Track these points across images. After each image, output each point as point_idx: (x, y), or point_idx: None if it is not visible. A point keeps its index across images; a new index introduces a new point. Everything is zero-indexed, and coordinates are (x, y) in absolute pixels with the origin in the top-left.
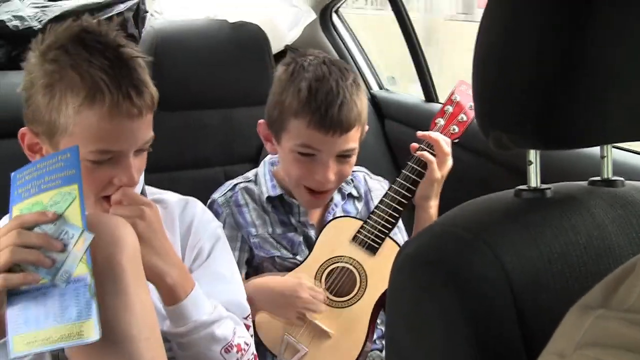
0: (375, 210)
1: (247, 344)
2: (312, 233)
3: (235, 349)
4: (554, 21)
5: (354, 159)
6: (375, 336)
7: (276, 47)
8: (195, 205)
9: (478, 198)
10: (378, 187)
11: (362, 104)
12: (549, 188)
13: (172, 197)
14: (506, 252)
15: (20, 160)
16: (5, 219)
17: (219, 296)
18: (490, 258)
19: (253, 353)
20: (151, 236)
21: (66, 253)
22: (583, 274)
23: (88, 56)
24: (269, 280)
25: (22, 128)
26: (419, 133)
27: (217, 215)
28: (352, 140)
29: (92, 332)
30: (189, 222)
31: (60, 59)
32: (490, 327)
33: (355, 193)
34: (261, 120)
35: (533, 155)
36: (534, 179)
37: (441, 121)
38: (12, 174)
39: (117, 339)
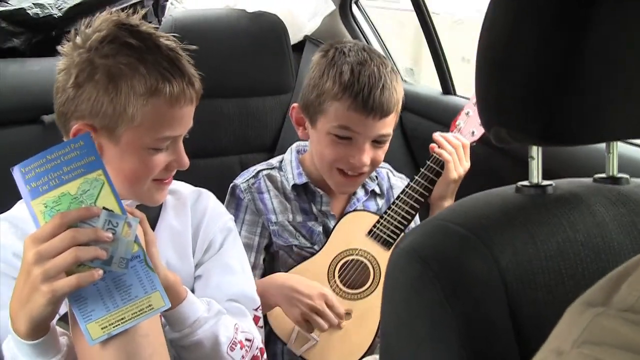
0: (392, 205)
1: (250, 340)
2: (331, 224)
3: (239, 346)
4: (555, 18)
5: (387, 145)
6: None
7: (295, 37)
8: (208, 197)
9: (478, 193)
10: (400, 185)
11: (400, 93)
12: (551, 184)
13: (185, 188)
14: (502, 249)
15: (41, 146)
16: (18, 208)
17: (230, 288)
18: (485, 255)
19: (258, 347)
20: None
21: (116, 242)
22: (580, 271)
23: (145, 48)
24: (290, 277)
25: (77, 124)
26: (431, 145)
27: (238, 200)
28: (389, 125)
29: (161, 301)
30: (201, 214)
31: (118, 53)
32: (480, 326)
33: (378, 190)
34: (295, 104)
35: (535, 151)
36: (536, 174)
37: (461, 123)
38: (14, 168)
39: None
